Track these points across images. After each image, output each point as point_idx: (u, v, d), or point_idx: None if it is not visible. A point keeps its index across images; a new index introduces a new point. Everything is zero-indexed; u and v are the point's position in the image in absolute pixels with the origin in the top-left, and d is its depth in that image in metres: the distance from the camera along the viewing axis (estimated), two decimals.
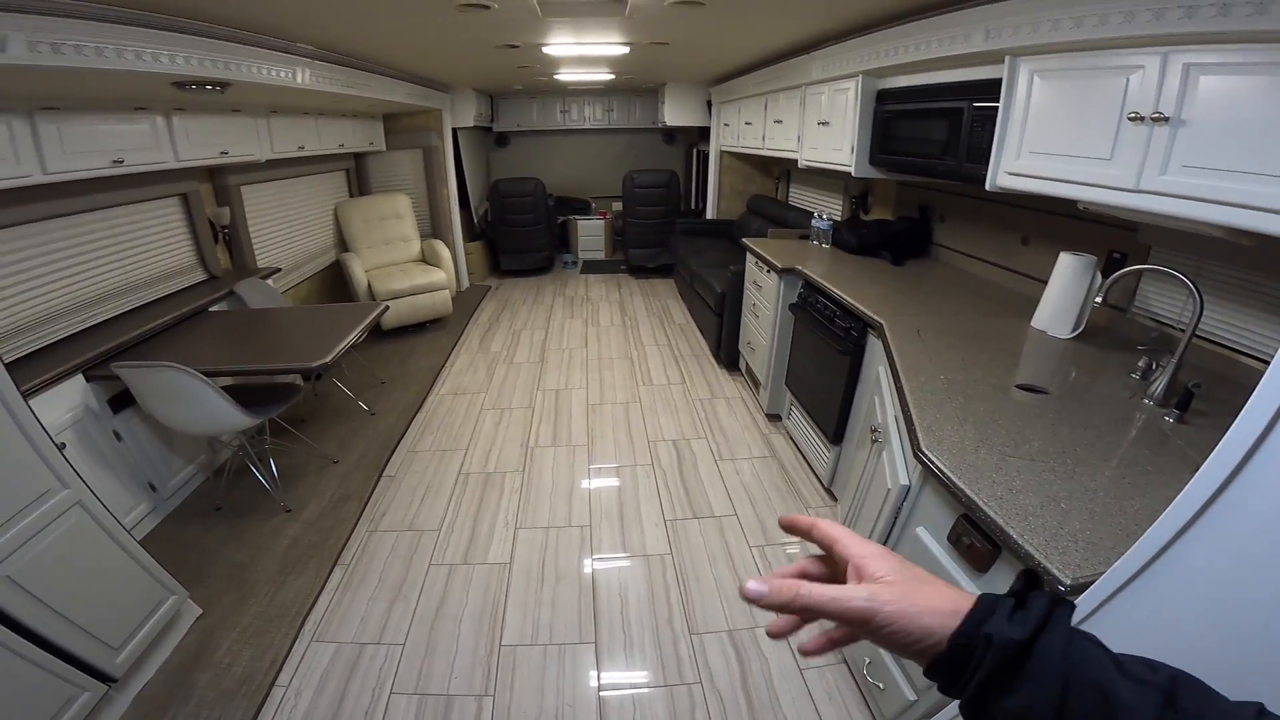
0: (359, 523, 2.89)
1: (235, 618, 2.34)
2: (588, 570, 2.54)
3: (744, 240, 3.98)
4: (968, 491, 1.27)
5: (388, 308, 3.57)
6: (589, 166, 8.18)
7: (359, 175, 6.00)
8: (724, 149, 6.02)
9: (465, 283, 6.71)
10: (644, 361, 4.63)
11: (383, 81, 4.37)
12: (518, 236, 6.96)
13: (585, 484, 3.12)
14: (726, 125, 5.76)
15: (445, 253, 5.58)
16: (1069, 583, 1.01)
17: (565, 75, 5.33)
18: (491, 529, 2.81)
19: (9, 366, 1.75)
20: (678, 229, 6.45)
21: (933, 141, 2.59)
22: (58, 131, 2.59)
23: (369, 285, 5.02)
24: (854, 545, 0.48)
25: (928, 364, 1.95)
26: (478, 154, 7.42)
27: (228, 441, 3.21)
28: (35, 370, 2.43)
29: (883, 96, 3.07)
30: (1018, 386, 1.80)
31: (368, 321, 3.23)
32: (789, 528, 0.53)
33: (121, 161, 2.89)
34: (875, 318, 2.43)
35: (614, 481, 3.14)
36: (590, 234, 7.77)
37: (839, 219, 4.27)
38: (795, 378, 3.37)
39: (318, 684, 2.07)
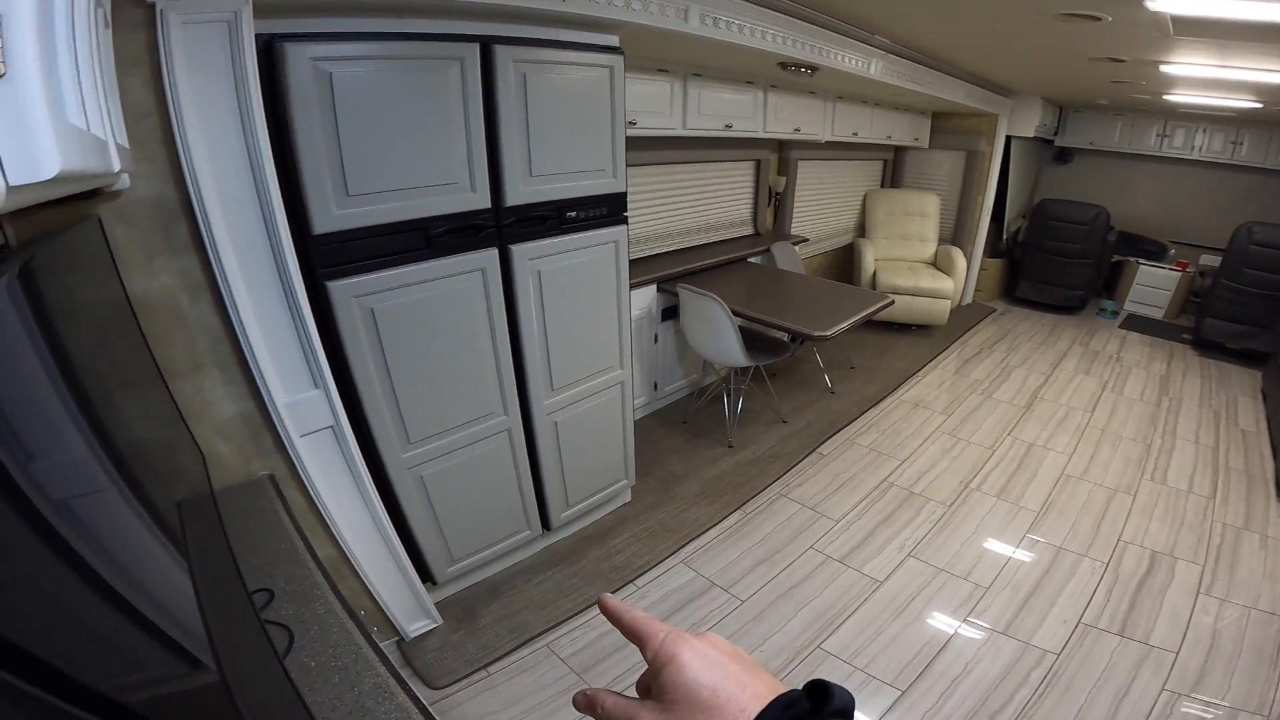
0: (775, 483, 3.08)
1: (646, 516, 2.77)
2: (948, 628, 2.27)
3: None
4: None
5: (893, 301, 3.53)
6: (1182, 205, 6.37)
7: (895, 168, 6.03)
8: None
9: (969, 298, 6.17)
10: (1165, 455, 3.55)
11: (945, 80, 4.25)
12: (1051, 266, 5.99)
13: (1009, 549, 2.72)
14: None
15: (961, 262, 5.18)
16: None
17: (1181, 97, 4.27)
18: (885, 544, 2.70)
19: None
20: None
21: None
22: (698, 95, 3.25)
23: (874, 274, 5.06)
24: (655, 629, 0.40)
25: None
26: (1027, 167, 6.58)
27: (718, 371, 3.73)
28: (634, 273, 3.12)
29: None
30: None
31: (871, 311, 3.29)
32: (603, 607, 0.44)
33: (730, 126, 3.49)
34: None
35: (1044, 560, 2.67)
36: (1153, 284, 6.11)
37: None
38: None
39: (660, 597, 2.36)
